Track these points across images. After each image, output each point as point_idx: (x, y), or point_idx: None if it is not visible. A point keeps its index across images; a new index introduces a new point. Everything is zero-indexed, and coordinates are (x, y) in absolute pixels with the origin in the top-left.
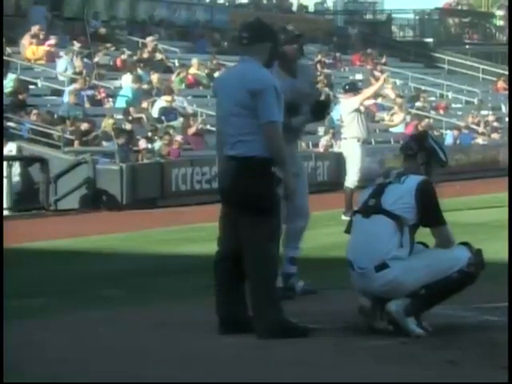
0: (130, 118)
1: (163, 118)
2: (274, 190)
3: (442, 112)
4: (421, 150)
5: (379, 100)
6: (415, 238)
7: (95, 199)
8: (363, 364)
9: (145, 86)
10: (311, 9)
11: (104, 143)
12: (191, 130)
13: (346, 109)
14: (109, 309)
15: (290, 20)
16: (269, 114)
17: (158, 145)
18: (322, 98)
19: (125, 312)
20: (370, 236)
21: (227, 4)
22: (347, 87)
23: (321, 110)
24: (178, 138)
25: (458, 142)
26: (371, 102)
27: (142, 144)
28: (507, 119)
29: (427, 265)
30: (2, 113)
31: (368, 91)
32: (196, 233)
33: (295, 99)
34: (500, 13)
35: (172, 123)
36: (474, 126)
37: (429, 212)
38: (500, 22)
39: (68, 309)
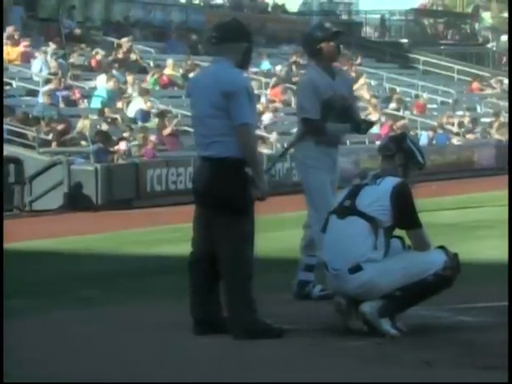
0: (107, 118)
1: (138, 118)
2: (247, 191)
3: (416, 112)
4: (399, 151)
5: None
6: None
7: (70, 200)
8: (339, 365)
9: (120, 87)
10: (294, 10)
11: (83, 143)
12: (166, 131)
13: None
14: (85, 309)
15: (265, 20)
16: (242, 115)
17: (133, 145)
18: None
19: (101, 312)
20: (344, 237)
21: (202, 4)
22: None
23: (365, 128)
24: (153, 138)
25: (433, 142)
26: None
27: (123, 146)
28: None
29: (402, 267)
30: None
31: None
32: (171, 233)
33: (331, 100)
34: (486, 14)
35: (147, 124)
36: (449, 127)
37: (405, 215)
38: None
39: (45, 309)
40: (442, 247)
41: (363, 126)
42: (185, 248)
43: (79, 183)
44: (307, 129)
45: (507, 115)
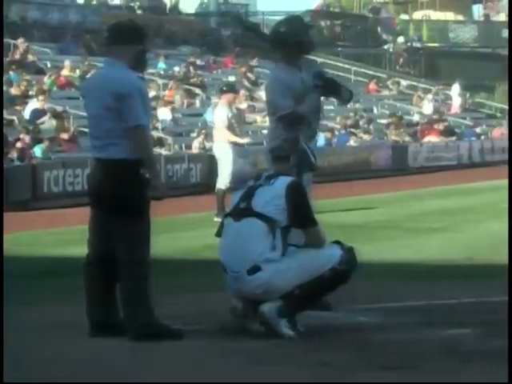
0: (4, 120)
1: (35, 119)
2: (143, 192)
3: None
4: (293, 152)
5: (252, 102)
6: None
7: None
8: (237, 365)
9: (17, 88)
10: (192, 11)
11: None
12: (63, 132)
13: (218, 113)
14: None
15: (163, 21)
16: (135, 117)
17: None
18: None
19: None
20: (241, 239)
21: (99, 6)
22: (224, 88)
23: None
24: (50, 139)
25: (330, 143)
26: (244, 105)
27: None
28: (379, 120)
29: (299, 265)
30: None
31: (230, 136)
32: (68, 235)
33: (304, 93)
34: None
35: (44, 125)
36: (347, 128)
37: (299, 213)
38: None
39: None
40: (337, 242)
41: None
42: (81, 249)
43: None
44: (289, 122)
45: (405, 116)
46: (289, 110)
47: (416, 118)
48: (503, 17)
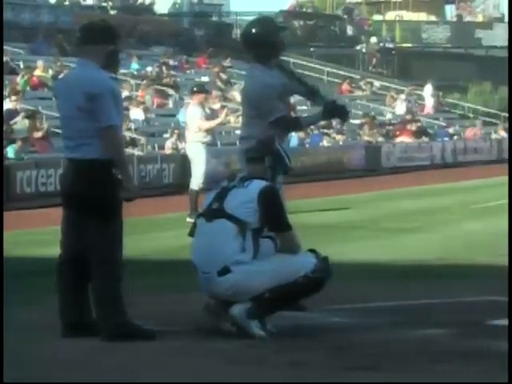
0: None
1: (8, 120)
2: (114, 193)
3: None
4: (268, 153)
5: (225, 102)
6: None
7: None
8: (210, 365)
9: None
10: (165, 11)
11: None
12: (36, 132)
13: (191, 114)
14: None
15: (136, 22)
16: (107, 117)
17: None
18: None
19: None
20: (212, 240)
21: (72, 6)
22: (195, 89)
23: (337, 111)
24: (23, 140)
25: (304, 143)
26: (217, 105)
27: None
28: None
29: (272, 269)
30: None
31: (208, 124)
32: (41, 236)
33: (283, 95)
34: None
35: (17, 125)
36: (320, 129)
37: (272, 218)
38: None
39: None
40: (312, 250)
41: (332, 110)
42: (54, 250)
43: None
44: (284, 126)
45: (378, 117)
46: (281, 114)
47: (389, 118)
48: (480, 17)
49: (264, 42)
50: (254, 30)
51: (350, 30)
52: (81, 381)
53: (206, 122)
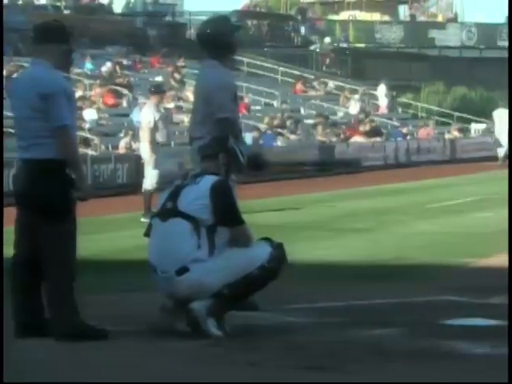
0: None
1: None
2: (67, 192)
3: (241, 114)
4: (222, 151)
5: (179, 102)
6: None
7: None
8: (165, 365)
9: None
10: (118, 10)
11: None
12: None
13: (145, 114)
14: None
15: (90, 21)
16: (60, 117)
17: None
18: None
19: None
20: (168, 240)
21: (25, 5)
22: (153, 89)
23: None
24: None
25: (260, 143)
26: (171, 105)
27: None
28: (306, 121)
29: (227, 265)
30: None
31: (149, 137)
32: None
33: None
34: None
35: None
36: (273, 128)
37: (225, 212)
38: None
39: None
40: (266, 239)
41: (254, 165)
42: (8, 250)
43: None
44: (221, 128)
45: (332, 117)
46: (229, 114)
47: (342, 118)
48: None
49: (219, 41)
50: (209, 29)
51: (303, 30)
52: (40, 379)
53: (149, 134)
